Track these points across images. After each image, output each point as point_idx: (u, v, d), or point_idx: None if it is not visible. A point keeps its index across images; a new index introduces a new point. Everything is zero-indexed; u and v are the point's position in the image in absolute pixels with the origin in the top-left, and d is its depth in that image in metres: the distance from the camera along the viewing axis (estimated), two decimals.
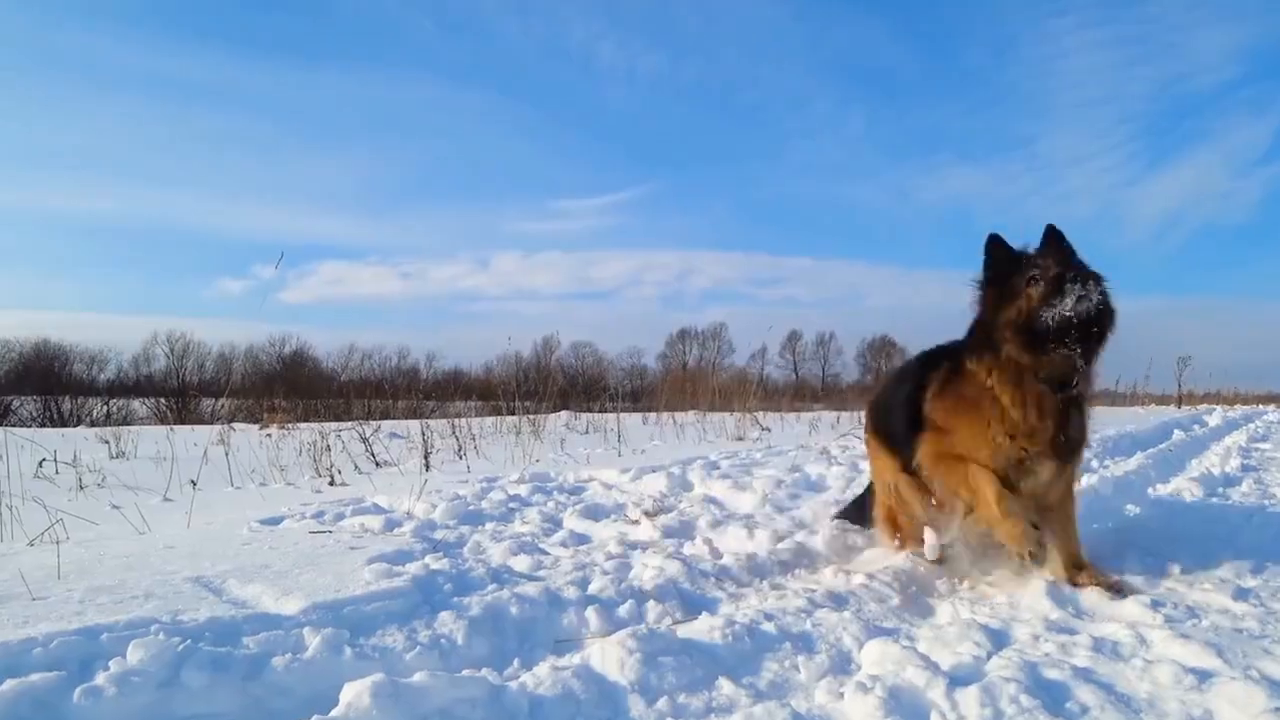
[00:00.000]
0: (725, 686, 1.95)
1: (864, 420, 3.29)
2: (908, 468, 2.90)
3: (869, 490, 3.52)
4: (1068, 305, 2.37)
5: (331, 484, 5.70)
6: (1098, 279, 2.45)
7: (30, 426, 21.49)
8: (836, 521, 3.62)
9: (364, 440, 7.43)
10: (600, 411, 15.46)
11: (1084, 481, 5.14)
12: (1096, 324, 2.42)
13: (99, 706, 1.67)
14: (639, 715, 1.81)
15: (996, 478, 2.58)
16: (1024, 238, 2.65)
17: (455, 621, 2.22)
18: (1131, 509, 4.27)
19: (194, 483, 4.67)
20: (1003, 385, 2.56)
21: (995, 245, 2.61)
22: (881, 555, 3.18)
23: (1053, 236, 2.57)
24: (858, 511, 3.61)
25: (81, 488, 5.62)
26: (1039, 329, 2.44)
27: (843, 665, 2.11)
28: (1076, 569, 2.70)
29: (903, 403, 2.90)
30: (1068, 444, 2.60)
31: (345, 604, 2.26)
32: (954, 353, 2.79)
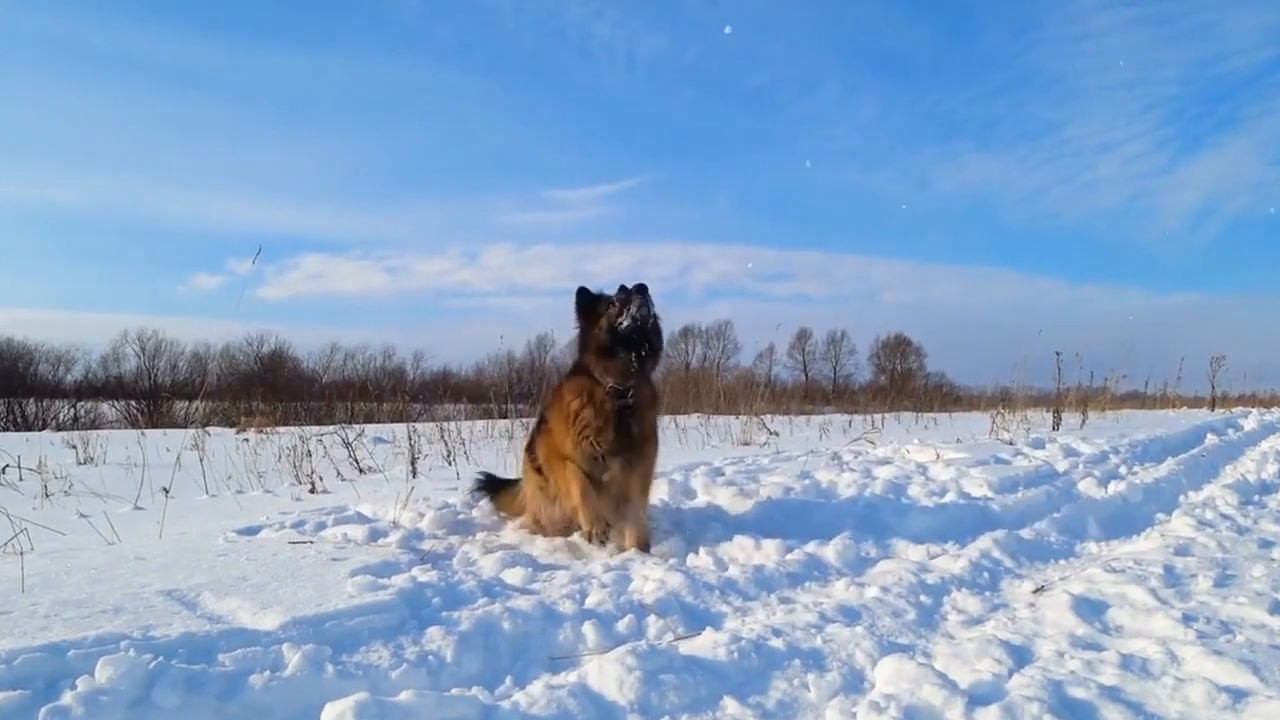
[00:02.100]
0: (730, 706, 1.95)
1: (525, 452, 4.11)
2: (543, 476, 3.71)
3: (516, 481, 4.24)
4: (632, 310, 3.35)
5: (312, 491, 5.70)
6: (650, 303, 3.39)
7: None
8: (474, 491, 4.40)
9: (347, 445, 7.43)
10: None
11: (1111, 488, 5.15)
12: (652, 334, 3.40)
13: None
14: None
15: (583, 474, 3.44)
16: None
17: (444, 637, 2.22)
18: (1162, 517, 4.27)
19: (167, 490, 4.67)
20: (579, 395, 3.45)
21: (581, 292, 3.53)
22: (896, 567, 3.18)
23: (622, 288, 3.46)
24: (492, 489, 4.35)
25: (47, 495, 5.62)
26: (615, 334, 3.36)
27: (855, 684, 2.11)
28: (641, 548, 3.47)
29: (537, 420, 3.84)
30: (629, 443, 3.46)
31: (327, 619, 2.26)
32: (561, 378, 3.73)
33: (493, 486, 4.36)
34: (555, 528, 3.72)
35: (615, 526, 3.50)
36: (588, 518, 3.41)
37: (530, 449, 3.89)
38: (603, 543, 3.41)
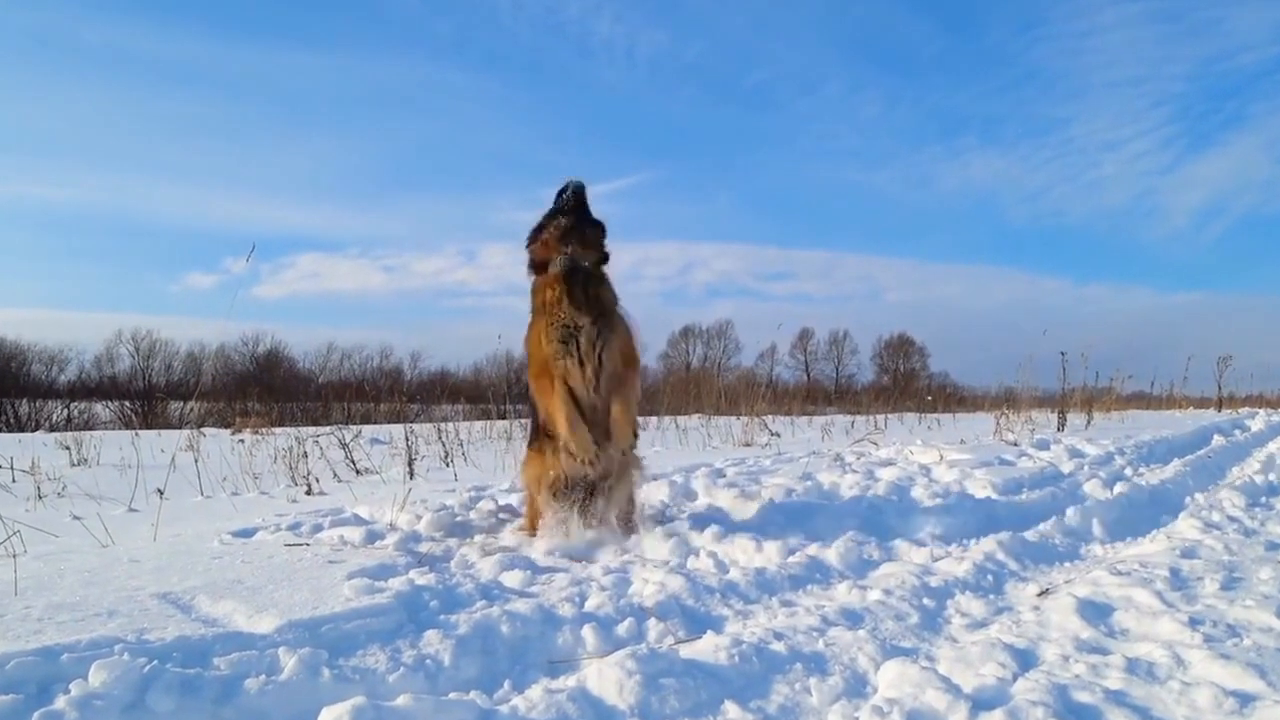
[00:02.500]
0: (731, 710, 1.95)
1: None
2: (541, 443, 3.72)
3: None
4: (566, 192, 3.60)
5: (309, 493, 5.70)
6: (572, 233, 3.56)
7: None
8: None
9: (343, 446, 7.43)
10: None
11: (1116, 490, 5.15)
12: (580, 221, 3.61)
13: None
14: None
15: (569, 395, 3.49)
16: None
17: (442, 641, 2.22)
18: (1168, 519, 4.27)
19: (161, 492, 4.67)
20: (542, 289, 3.61)
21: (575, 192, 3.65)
22: (899, 569, 3.18)
23: (572, 190, 3.65)
24: None
25: (40, 497, 5.62)
26: (558, 214, 3.60)
27: (858, 688, 2.11)
28: (625, 521, 3.63)
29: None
30: (593, 303, 3.54)
31: (323, 622, 2.26)
32: None
33: None
34: (537, 510, 3.76)
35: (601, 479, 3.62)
36: (584, 443, 3.47)
37: (530, 442, 3.89)
38: (597, 470, 3.54)
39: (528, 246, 3.70)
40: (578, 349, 3.50)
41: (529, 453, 3.87)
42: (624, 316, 3.70)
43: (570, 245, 3.57)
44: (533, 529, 3.78)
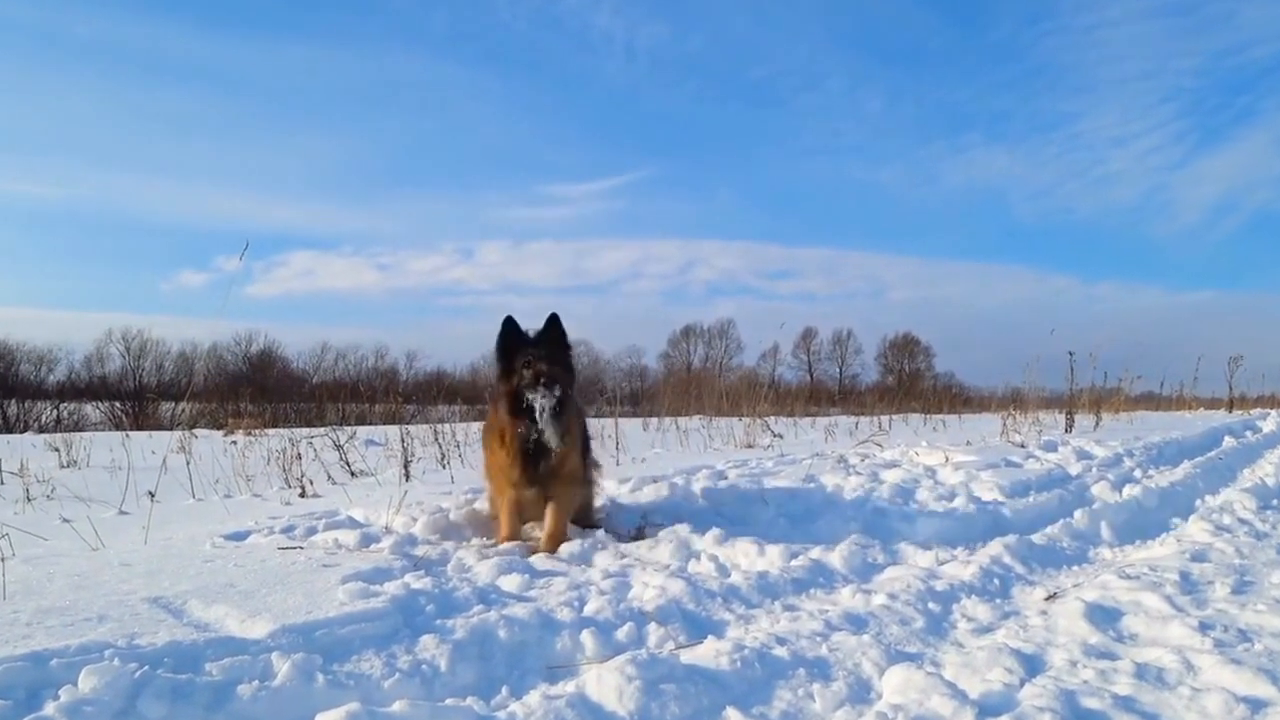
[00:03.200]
0: (733, 717, 1.95)
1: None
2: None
3: None
4: (538, 396, 3.55)
5: (302, 495, 5.70)
6: (553, 391, 3.56)
7: None
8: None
9: (338, 447, 7.43)
10: (596, 416, 15.46)
11: (1125, 492, 5.15)
12: (559, 400, 3.60)
13: None
14: None
15: (512, 494, 3.71)
16: None
17: (438, 646, 2.22)
18: (1178, 522, 4.27)
19: (152, 494, 4.67)
20: (495, 432, 3.75)
21: (507, 324, 3.70)
22: (904, 573, 3.18)
23: (551, 324, 3.73)
24: None
25: (29, 499, 5.63)
26: (521, 401, 3.59)
27: (862, 694, 2.11)
28: (553, 542, 3.64)
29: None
30: (540, 479, 3.67)
31: (317, 627, 2.26)
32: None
33: None
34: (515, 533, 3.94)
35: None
36: (504, 532, 3.73)
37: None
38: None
39: (499, 364, 3.71)
40: (515, 494, 3.74)
41: (490, 458, 4.01)
42: (578, 426, 3.88)
43: (537, 429, 3.59)
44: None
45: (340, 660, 2.12)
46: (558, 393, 3.58)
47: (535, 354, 3.60)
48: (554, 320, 3.72)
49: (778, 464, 6.57)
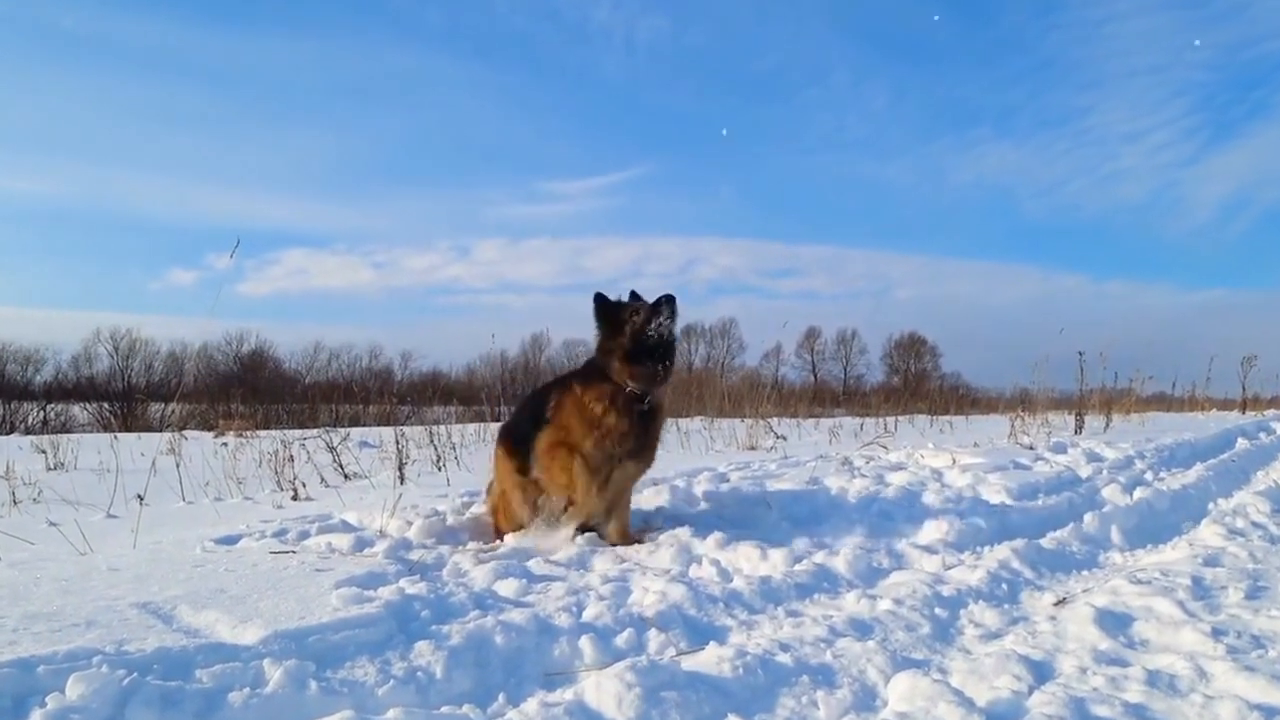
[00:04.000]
0: None
1: (496, 436, 4.35)
2: (523, 470, 3.90)
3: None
4: (661, 320, 3.64)
5: (295, 498, 5.70)
6: (675, 316, 3.69)
7: None
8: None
9: (331, 450, 7.43)
10: None
11: (1136, 495, 5.15)
12: (672, 345, 3.73)
13: None
14: None
15: (592, 470, 3.67)
16: None
17: (434, 652, 2.22)
18: (1189, 525, 4.27)
19: (141, 497, 4.67)
20: (604, 400, 3.70)
21: (600, 297, 3.80)
22: (910, 578, 3.18)
23: (633, 295, 3.87)
24: None
25: (15, 502, 5.63)
26: (641, 342, 3.65)
27: (867, 701, 2.11)
28: (621, 535, 3.82)
29: (529, 415, 3.99)
30: (644, 446, 3.81)
31: (310, 633, 2.26)
32: (571, 378, 3.94)
33: None
34: (515, 525, 3.97)
35: (602, 522, 3.89)
36: (590, 509, 3.73)
37: (510, 447, 4.03)
38: (582, 531, 3.78)
39: (604, 327, 3.77)
40: (612, 471, 3.74)
41: (506, 462, 4.00)
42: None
43: (654, 384, 3.70)
44: (500, 533, 3.97)
45: (333, 667, 2.12)
46: (675, 320, 3.69)
47: (645, 305, 3.72)
48: (670, 298, 3.81)
49: (781, 466, 6.57)
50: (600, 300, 3.80)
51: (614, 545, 3.72)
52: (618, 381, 3.68)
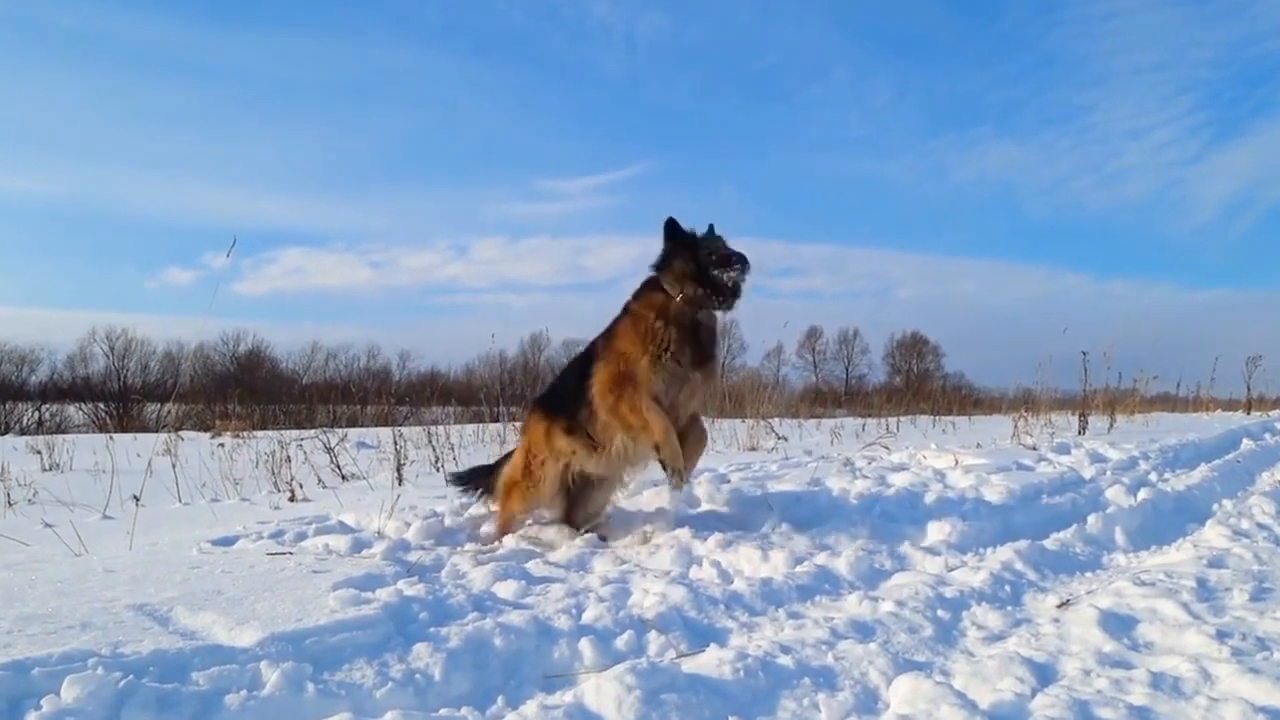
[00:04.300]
0: None
1: (528, 409, 4.26)
2: (569, 429, 3.82)
3: (497, 464, 4.37)
4: (732, 272, 3.69)
5: (292, 500, 5.70)
6: (748, 269, 3.73)
7: None
8: (453, 487, 4.59)
9: (329, 450, 7.43)
10: None
11: (1140, 496, 5.15)
12: (737, 294, 3.77)
13: None
14: None
15: (663, 409, 3.61)
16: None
17: (432, 654, 2.22)
18: (1194, 527, 4.27)
19: (137, 498, 4.67)
20: (656, 310, 3.69)
21: (672, 223, 3.79)
22: (912, 579, 3.18)
23: (710, 229, 3.83)
24: (475, 477, 4.47)
25: (10, 504, 5.63)
26: (710, 276, 3.68)
27: (869, 704, 2.11)
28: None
29: (576, 369, 3.93)
30: (706, 356, 3.80)
31: (307, 635, 2.26)
32: (619, 316, 3.88)
33: (481, 476, 4.43)
34: (532, 500, 3.94)
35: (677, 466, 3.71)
36: (676, 453, 3.63)
37: (546, 411, 3.95)
38: (682, 480, 3.71)
39: (699, 243, 3.74)
40: (679, 389, 3.71)
41: (546, 427, 3.92)
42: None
43: (709, 305, 3.74)
44: (513, 501, 3.97)
45: (331, 669, 2.12)
46: (748, 271, 3.71)
47: (729, 249, 3.72)
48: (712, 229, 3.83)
49: (782, 467, 6.57)
50: (673, 225, 3.78)
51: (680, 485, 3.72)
52: (672, 294, 3.69)
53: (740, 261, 3.69)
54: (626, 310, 3.83)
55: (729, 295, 3.73)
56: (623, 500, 4.97)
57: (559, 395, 3.98)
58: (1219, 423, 14.09)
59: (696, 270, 3.67)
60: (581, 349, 4.23)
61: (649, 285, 3.81)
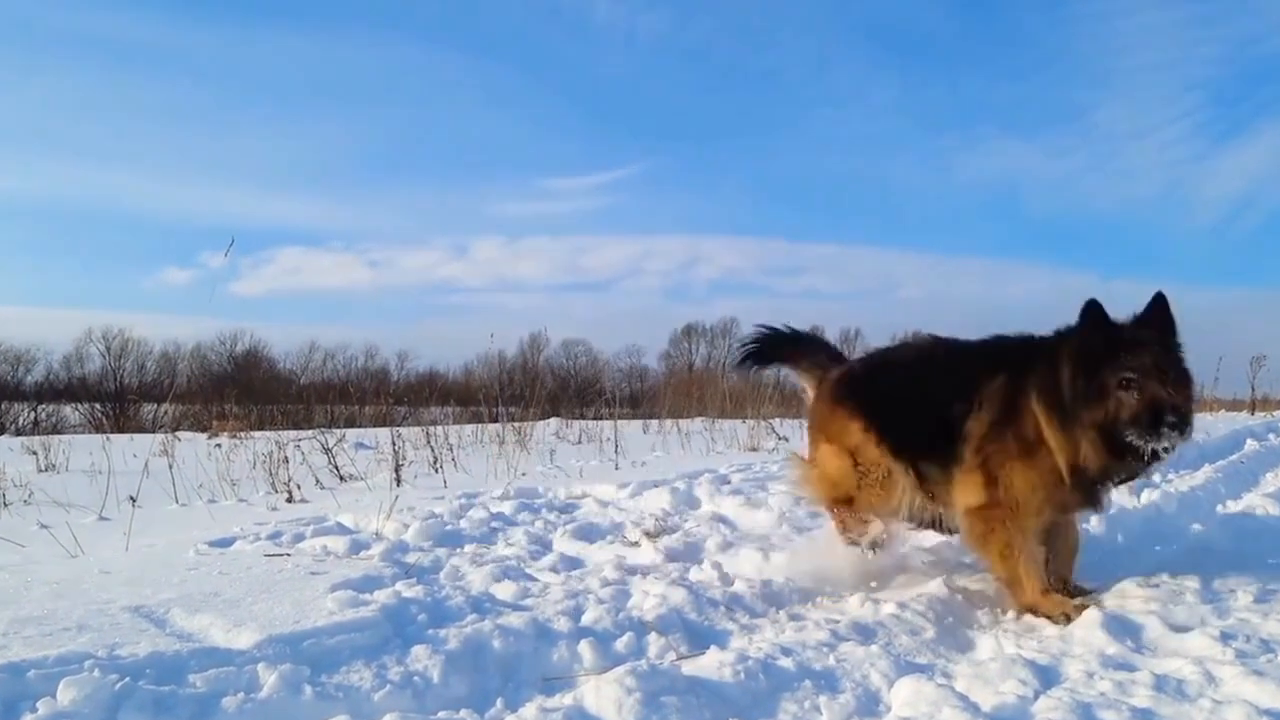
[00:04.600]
0: None
1: (831, 389, 3.36)
2: (915, 469, 3.07)
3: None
4: (1159, 440, 2.59)
5: (290, 501, 5.71)
6: (1187, 421, 2.63)
7: None
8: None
9: (326, 451, 7.43)
10: (595, 418, 15.48)
11: (1144, 497, 5.15)
12: (1170, 451, 2.68)
13: None
14: None
15: (1036, 556, 2.85)
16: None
17: (430, 657, 2.22)
18: (1198, 528, 4.27)
19: (133, 499, 4.67)
20: (1066, 441, 2.71)
21: (1094, 311, 2.73)
22: (914, 581, 3.18)
23: (1156, 310, 2.71)
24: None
25: (5, 505, 5.63)
26: (1120, 442, 2.64)
27: (870, 706, 2.11)
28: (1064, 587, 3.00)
29: (940, 403, 2.99)
30: (1097, 504, 2.92)
31: (305, 637, 2.26)
32: (1020, 364, 2.89)
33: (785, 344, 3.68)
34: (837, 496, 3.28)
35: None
36: (1057, 608, 2.79)
37: (868, 408, 3.15)
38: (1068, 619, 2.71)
39: (1105, 378, 2.66)
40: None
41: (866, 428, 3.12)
42: None
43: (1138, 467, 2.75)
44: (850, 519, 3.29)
45: (329, 671, 2.12)
46: (1186, 436, 2.65)
47: (1144, 362, 2.63)
48: (1162, 302, 2.74)
49: (783, 468, 6.57)
50: (1093, 310, 2.72)
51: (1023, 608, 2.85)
52: (1090, 452, 2.70)
53: (1177, 423, 2.59)
54: (1027, 389, 2.83)
55: (1146, 460, 2.68)
56: (624, 501, 4.97)
57: (901, 412, 3.14)
58: (1223, 423, 14.07)
59: (1107, 431, 2.65)
60: (957, 352, 3.20)
61: (1052, 385, 2.76)
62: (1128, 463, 2.71)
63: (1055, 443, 2.74)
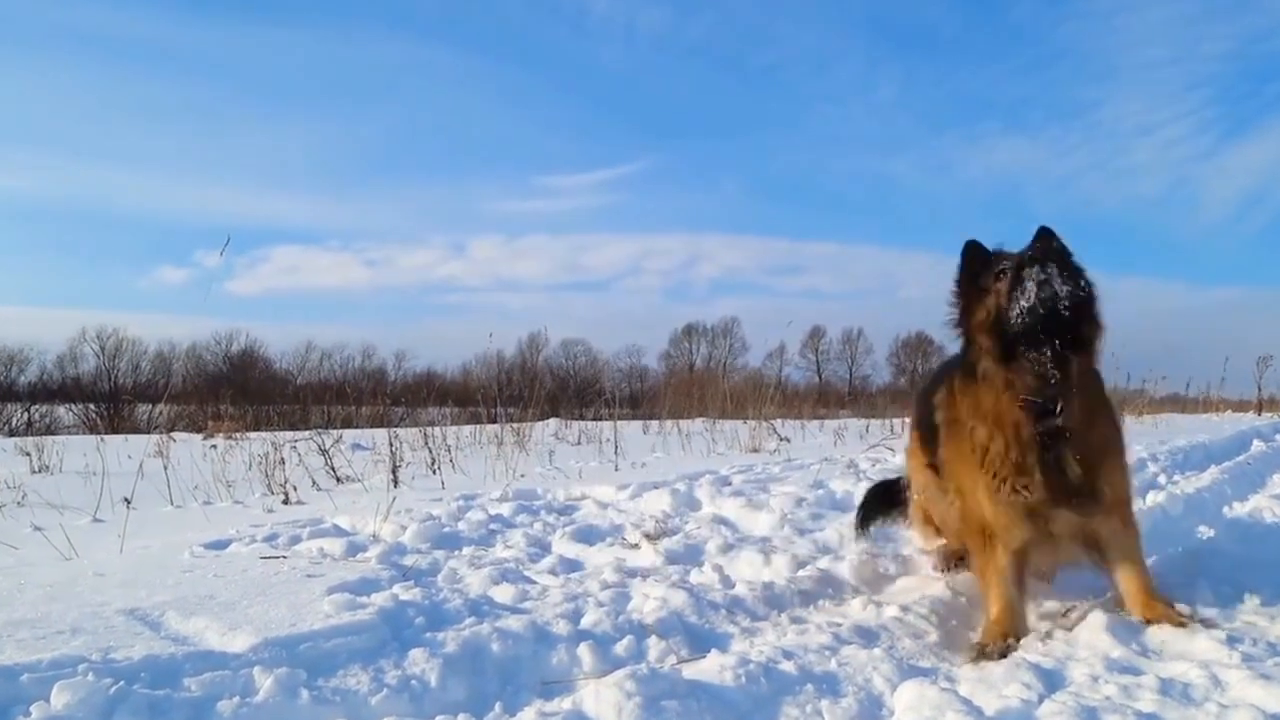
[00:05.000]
0: None
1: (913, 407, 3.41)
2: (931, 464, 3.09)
3: (893, 482, 3.79)
4: (1027, 291, 2.34)
5: (286, 502, 5.71)
6: (1065, 262, 2.40)
7: None
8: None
9: (323, 452, 7.44)
10: (594, 419, 15.49)
11: (1150, 499, 5.16)
12: (1066, 317, 2.34)
13: None
14: None
15: (1004, 550, 2.62)
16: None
17: (428, 660, 2.22)
18: (1205, 531, 4.27)
19: (128, 501, 4.67)
20: (981, 418, 2.54)
21: (971, 248, 2.63)
22: (917, 583, 3.18)
23: (1040, 234, 2.49)
24: (879, 500, 3.77)
25: None
26: (1004, 330, 2.41)
27: (872, 710, 2.11)
28: (1149, 604, 2.65)
29: (929, 415, 3.00)
30: (1071, 487, 2.47)
31: (302, 640, 2.26)
32: (952, 365, 2.83)
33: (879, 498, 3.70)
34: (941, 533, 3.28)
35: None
36: (1002, 628, 2.55)
37: (921, 438, 3.12)
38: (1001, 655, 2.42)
39: (971, 287, 2.58)
40: (1041, 528, 2.60)
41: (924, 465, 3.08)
42: (1097, 391, 2.64)
43: (1051, 384, 2.39)
44: (931, 529, 3.33)
45: (325, 675, 2.12)
46: (1067, 278, 2.35)
47: (1017, 255, 2.43)
48: (1047, 232, 2.47)
49: (785, 469, 6.58)
50: (969, 252, 2.60)
51: (1136, 617, 2.58)
52: (996, 385, 2.47)
53: (1034, 258, 2.38)
54: (950, 384, 2.73)
55: (1052, 327, 2.35)
56: (623, 502, 4.97)
57: (926, 428, 3.04)
58: (1229, 424, 14.10)
59: (995, 329, 2.44)
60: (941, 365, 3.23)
61: (964, 366, 2.63)
62: (1020, 357, 2.39)
63: (969, 401, 2.58)
